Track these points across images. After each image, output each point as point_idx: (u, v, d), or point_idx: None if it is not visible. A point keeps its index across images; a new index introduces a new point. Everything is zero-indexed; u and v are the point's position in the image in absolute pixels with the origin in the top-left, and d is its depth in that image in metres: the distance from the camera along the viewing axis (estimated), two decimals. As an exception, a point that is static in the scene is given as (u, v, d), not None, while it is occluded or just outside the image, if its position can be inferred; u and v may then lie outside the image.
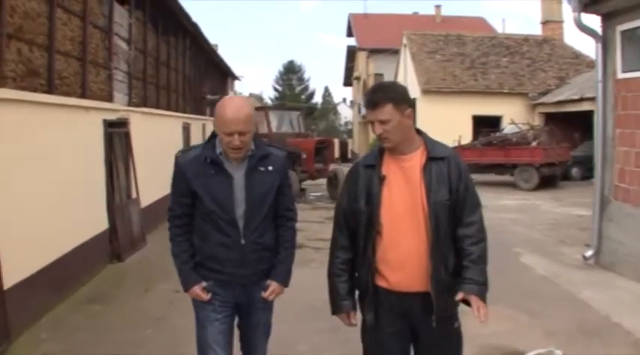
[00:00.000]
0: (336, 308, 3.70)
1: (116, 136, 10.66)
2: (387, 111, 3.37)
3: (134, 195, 11.29)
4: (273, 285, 3.85)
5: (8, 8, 6.63)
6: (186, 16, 16.91)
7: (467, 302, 3.34)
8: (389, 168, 3.52)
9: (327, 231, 12.63)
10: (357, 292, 3.67)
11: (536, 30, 35.68)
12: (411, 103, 3.54)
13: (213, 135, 3.73)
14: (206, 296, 3.75)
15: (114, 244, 9.88)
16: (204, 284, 3.76)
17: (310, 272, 7.30)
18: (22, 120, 6.76)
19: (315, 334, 6.25)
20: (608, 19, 9.38)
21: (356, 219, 3.55)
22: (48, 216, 7.30)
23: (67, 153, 8.17)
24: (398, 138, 3.44)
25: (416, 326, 3.54)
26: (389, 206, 3.45)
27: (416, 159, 3.49)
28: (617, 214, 9.20)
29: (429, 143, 3.53)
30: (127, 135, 11.22)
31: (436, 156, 3.45)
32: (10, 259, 6.09)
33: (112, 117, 10.42)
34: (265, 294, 3.83)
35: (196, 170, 3.67)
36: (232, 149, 3.58)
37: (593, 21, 9.71)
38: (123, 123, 11.07)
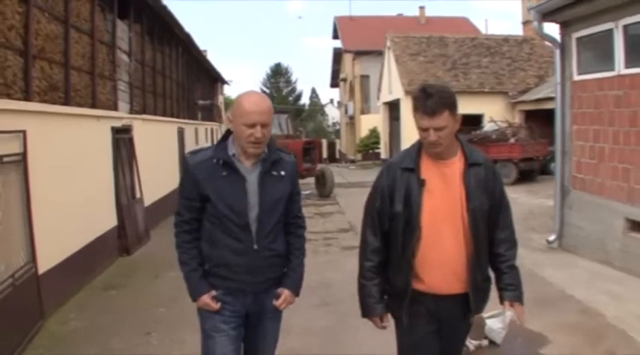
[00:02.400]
0: (368, 312, 3.65)
1: (121, 142, 11.55)
2: (444, 117, 3.30)
3: (138, 195, 12.21)
4: (285, 293, 3.73)
5: (33, 32, 7.54)
6: (179, 27, 17.75)
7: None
8: (428, 171, 3.45)
9: (315, 224, 13.88)
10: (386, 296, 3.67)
11: (519, 29, 36.31)
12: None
13: (225, 138, 3.64)
14: (216, 306, 3.59)
15: (122, 239, 10.81)
16: (214, 293, 3.60)
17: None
18: (47, 129, 7.64)
19: (308, 308, 7.19)
20: (565, 26, 10.25)
21: (391, 221, 3.50)
22: (71, 213, 8.24)
23: (84, 157, 9.13)
24: (448, 143, 3.40)
25: (443, 324, 3.56)
26: (429, 210, 3.40)
27: (455, 164, 3.46)
28: (576, 202, 10.12)
29: (467, 148, 3.50)
30: (131, 141, 12.14)
31: (475, 162, 3.43)
32: (43, 248, 7.03)
33: (117, 124, 11.34)
34: (278, 303, 3.70)
35: (207, 172, 3.53)
36: (253, 143, 3.47)
37: (553, 29, 10.68)
38: (127, 130, 11.99)
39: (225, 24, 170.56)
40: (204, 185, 3.52)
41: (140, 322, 7.11)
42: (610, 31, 8.94)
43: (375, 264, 3.59)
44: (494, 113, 26.44)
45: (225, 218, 3.50)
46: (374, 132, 40.37)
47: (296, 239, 3.85)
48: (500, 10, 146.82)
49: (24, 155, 6.71)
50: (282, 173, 3.65)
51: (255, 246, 3.54)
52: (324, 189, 21.28)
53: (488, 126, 25.19)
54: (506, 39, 32.91)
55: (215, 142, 3.77)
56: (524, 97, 27.57)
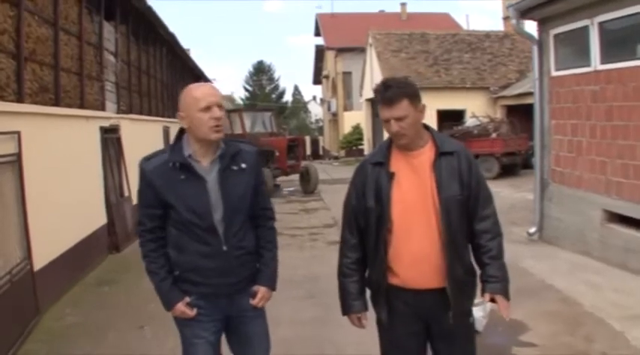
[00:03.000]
0: (346, 309, 3.62)
1: (109, 141, 11.76)
2: (404, 107, 3.28)
3: (126, 194, 12.39)
4: (261, 290, 3.64)
5: (24, 35, 7.71)
6: (163, 27, 17.92)
7: (492, 300, 3.35)
8: (398, 164, 3.43)
9: (301, 220, 14.12)
10: (368, 292, 3.62)
11: (500, 24, 36.56)
12: (420, 98, 3.42)
13: (179, 138, 3.50)
14: (192, 313, 3.48)
15: (112, 237, 11.04)
16: (187, 299, 3.48)
17: (289, 254, 8.65)
18: (40, 130, 7.82)
19: (294, 300, 7.42)
20: (543, 24, 10.50)
21: (365, 217, 3.46)
22: (63, 211, 8.43)
23: (74, 157, 9.32)
24: (413, 134, 3.36)
25: (431, 324, 3.48)
26: (399, 203, 3.36)
27: (425, 154, 3.41)
28: (555, 194, 10.39)
29: (438, 138, 3.45)
30: (119, 140, 12.34)
31: (446, 150, 3.38)
32: (37, 246, 7.23)
33: (105, 124, 11.55)
34: (254, 301, 3.61)
35: (165, 177, 3.38)
36: (215, 126, 3.35)
37: (532, 26, 10.93)
38: (115, 130, 12.19)
39: (207, 22, 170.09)
40: (163, 191, 3.38)
41: (133, 317, 7.30)
42: (586, 28, 9.17)
43: (352, 260, 3.57)
44: (476, 108, 26.76)
45: (190, 223, 3.38)
46: (357, 129, 40.60)
47: (266, 232, 3.73)
48: (481, 6, 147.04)
49: (19, 155, 6.89)
50: (243, 165, 3.51)
51: (225, 248, 3.43)
52: (308, 185, 21.56)
53: (470, 122, 25.54)
54: (487, 34, 33.26)
55: (175, 144, 3.52)
56: (506, 92, 27.89)
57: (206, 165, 3.43)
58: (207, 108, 3.31)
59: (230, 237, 3.45)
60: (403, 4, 50.95)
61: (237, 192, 3.47)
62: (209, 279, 3.45)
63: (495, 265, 3.36)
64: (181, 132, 3.51)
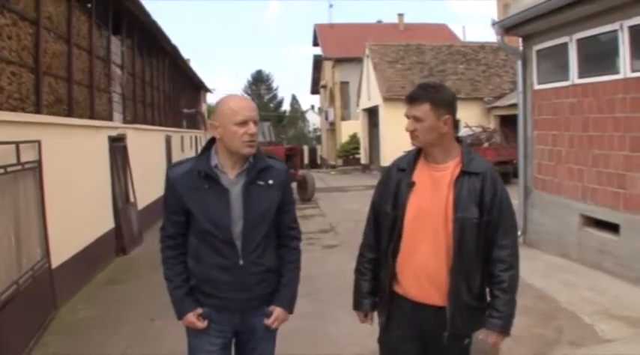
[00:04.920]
0: (356, 305, 3.63)
1: (117, 150, 12.31)
2: (423, 109, 3.25)
3: (132, 199, 12.98)
4: (277, 311, 3.53)
5: (42, 51, 8.32)
6: (166, 40, 18.53)
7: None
8: (420, 174, 3.37)
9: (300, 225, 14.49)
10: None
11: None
12: (453, 112, 3.34)
13: (207, 147, 3.48)
14: (202, 324, 3.41)
15: (119, 240, 11.60)
16: (199, 310, 3.41)
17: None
18: (56, 139, 8.38)
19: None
20: (526, 40, 11.08)
21: (382, 220, 3.45)
22: (77, 214, 9.00)
23: (86, 164, 9.93)
24: (428, 140, 3.30)
25: (425, 339, 3.41)
26: (413, 213, 3.31)
27: (448, 170, 3.31)
28: (537, 201, 10.95)
29: (467, 156, 3.32)
30: (125, 149, 12.90)
31: (471, 170, 3.26)
32: (55, 245, 7.81)
33: (113, 133, 12.13)
34: (269, 322, 3.50)
35: (189, 185, 3.36)
36: (249, 141, 3.32)
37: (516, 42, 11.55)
38: (121, 139, 12.76)
39: (206, 31, 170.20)
40: (186, 199, 3.35)
41: (144, 310, 7.83)
42: (565, 45, 9.73)
43: (367, 259, 3.58)
44: (470, 118, 27.00)
45: (208, 233, 3.33)
46: (354, 138, 40.56)
47: (289, 252, 3.62)
48: (478, 15, 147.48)
49: (39, 162, 7.45)
50: (270, 182, 3.44)
51: (241, 262, 3.35)
52: (306, 193, 21.83)
53: (463, 132, 25.75)
54: (482, 46, 33.43)
55: (198, 152, 3.55)
56: (499, 103, 28.19)
57: (232, 177, 3.38)
58: (244, 123, 3.29)
59: (248, 252, 3.37)
60: (401, 15, 50.74)
61: (260, 208, 3.39)
62: (223, 293, 3.38)
63: (504, 299, 3.25)
64: (211, 141, 3.49)
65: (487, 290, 3.38)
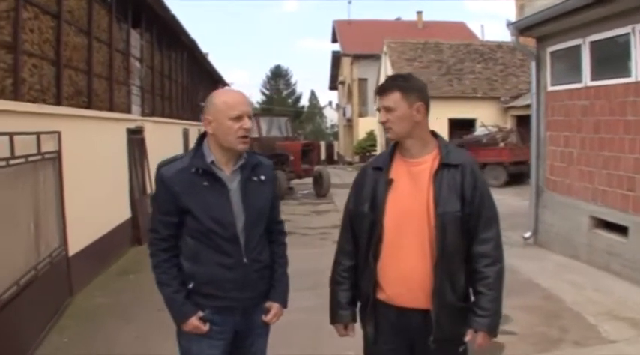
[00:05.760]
0: (333, 318, 3.46)
1: (134, 142, 12.54)
2: (393, 98, 3.16)
3: (148, 191, 13.17)
4: (274, 307, 3.53)
5: (63, 44, 8.51)
6: (185, 34, 18.67)
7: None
8: (398, 171, 3.24)
9: (312, 221, 14.94)
10: (359, 303, 3.44)
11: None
12: (426, 100, 3.24)
13: (200, 143, 3.39)
14: (205, 328, 3.30)
15: (135, 230, 11.81)
16: (200, 314, 3.29)
17: (298, 251, 9.40)
18: (75, 130, 8.58)
19: (299, 291, 8.11)
20: (540, 41, 11.17)
21: (360, 223, 3.28)
22: (94, 204, 9.19)
23: (104, 156, 10.12)
24: (402, 131, 3.20)
25: (416, 347, 3.26)
26: (393, 212, 3.17)
27: (426, 163, 3.20)
28: (549, 202, 11.04)
29: (444, 148, 3.23)
30: (143, 141, 13.15)
31: (450, 162, 3.15)
32: (72, 234, 8.01)
33: (131, 125, 12.36)
34: (268, 318, 3.50)
35: (186, 183, 3.23)
36: (243, 137, 3.25)
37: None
38: (139, 131, 13.00)
39: (224, 26, 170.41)
40: (183, 198, 3.22)
41: (159, 300, 8.05)
42: (578, 47, 9.80)
43: (345, 267, 3.41)
44: (486, 118, 27.15)
45: (211, 232, 3.23)
46: (371, 135, 40.72)
47: (279, 247, 3.64)
48: (497, 14, 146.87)
49: (59, 153, 7.65)
50: (263, 178, 3.42)
51: (245, 260, 3.29)
52: (321, 189, 22.05)
53: (479, 131, 25.94)
54: (499, 45, 33.29)
55: (195, 149, 3.40)
56: (516, 103, 28.13)
57: (228, 173, 3.31)
58: (239, 118, 3.22)
59: (250, 250, 3.32)
60: (419, 13, 50.70)
61: (259, 204, 3.37)
62: (227, 292, 3.29)
63: (489, 296, 3.10)
64: (202, 137, 3.41)
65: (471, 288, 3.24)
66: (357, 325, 3.48)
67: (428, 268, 3.11)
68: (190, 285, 3.30)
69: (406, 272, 3.16)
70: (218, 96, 3.31)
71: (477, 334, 3.11)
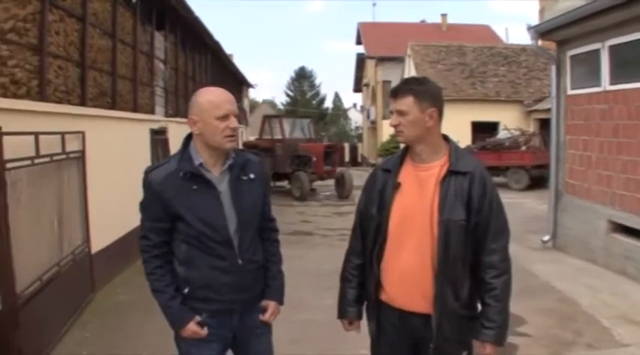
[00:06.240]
0: (340, 313, 3.52)
1: (158, 142, 12.72)
2: (406, 102, 3.15)
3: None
4: (271, 305, 3.51)
5: (88, 46, 8.70)
6: (209, 36, 18.90)
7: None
8: (406, 175, 3.26)
9: (333, 222, 15.03)
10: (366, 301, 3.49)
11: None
12: (439, 106, 3.23)
13: (186, 145, 3.32)
14: (204, 332, 3.29)
15: (157, 230, 11.91)
16: (198, 318, 3.28)
17: (318, 252, 9.58)
18: (99, 131, 8.76)
19: (318, 290, 8.27)
20: (560, 45, 11.23)
21: (367, 224, 3.34)
22: (117, 203, 9.33)
23: (127, 156, 10.28)
24: (413, 135, 3.19)
25: (421, 349, 3.27)
26: (398, 216, 3.20)
27: (435, 169, 3.19)
28: (568, 205, 11.08)
29: (454, 154, 3.22)
30: (166, 142, 13.33)
31: (458, 169, 3.14)
32: (95, 232, 8.19)
33: (155, 126, 12.56)
34: (266, 317, 3.48)
35: (175, 188, 3.19)
36: (231, 136, 3.21)
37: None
38: (163, 132, 13.19)
39: (248, 27, 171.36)
40: (173, 203, 3.19)
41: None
42: (598, 51, 9.84)
43: (354, 265, 3.47)
44: (509, 121, 27.03)
45: (204, 236, 3.20)
46: (394, 137, 40.32)
47: (272, 244, 3.62)
48: (522, 16, 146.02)
49: (83, 152, 7.82)
50: (252, 176, 3.38)
51: (240, 261, 3.28)
52: (343, 190, 22.20)
53: (501, 134, 25.88)
54: (523, 49, 32.89)
55: (182, 152, 3.33)
56: (539, 106, 27.98)
57: (217, 174, 3.28)
58: (225, 117, 3.18)
59: (244, 251, 3.31)
60: (444, 15, 50.64)
61: (250, 203, 3.35)
62: (223, 295, 3.28)
63: (496, 308, 3.10)
64: (188, 139, 3.36)
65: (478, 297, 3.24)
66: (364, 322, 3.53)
67: (427, 273, 3.13)
68: (186, 290, 3.28)
69: (404, 274, 3.20)
70: (202, 96, 3.26)
71: (484, 345, 3.11)
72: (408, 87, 3.20)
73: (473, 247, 3.13)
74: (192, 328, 3.26)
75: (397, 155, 3.38)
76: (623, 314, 7.35)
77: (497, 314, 3.09)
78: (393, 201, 3.22)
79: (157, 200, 3.21)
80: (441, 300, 3.10)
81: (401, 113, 3.18)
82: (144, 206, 3.32)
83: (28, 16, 6.80)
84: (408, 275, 3.18)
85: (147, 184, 3.26)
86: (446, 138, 3.32)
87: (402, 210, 3.19)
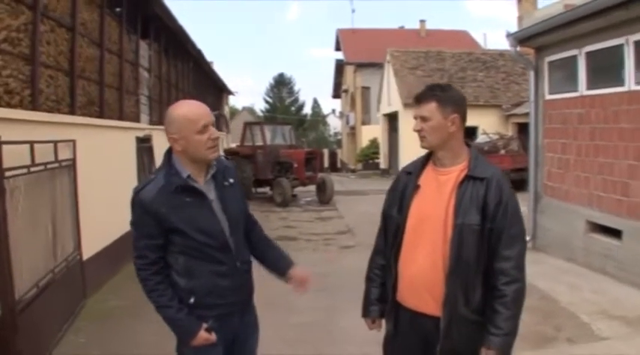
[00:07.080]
0: (364, 312, 3.59)
1: (143, 150, 12.80)
2: (429, 108, 3.21)
3: (156, 198, 13.48)
4: (298, 270, 3.71)
5: (77, 55, 8.82)
6: (191, 44, 19.00)
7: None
8: (426, 178, 3.32)
9: (316, 227, 15.22)
10: None
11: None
12: (462, 112, 3.27)
13: (169, 159, 3.33)
14: (214, 338, 3.33)
15: (145, 235, 12.02)
16: (205, 325, 3.31)
17: (304, 256, 9.75)
18: (88, 139, 8.85)
19: (311, 293, 8.29)
20: (539, 51, 11.47)
21: (389, 225, 3.42)
22: (106, 210, 9.46)
23: (115, 163, 10.40)
24: (435, 141, 3.25)
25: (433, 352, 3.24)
26: (415, 217, 3.26)
27: (453, 174, 3.24)
28: (547, 207, 11.34)
29: (474, 160, 3.24)
30: (151, 149, 13.40)
31: (475, 175, 3.17)
32: (86, 239, 8.29)
33: (140, 134, 12.63)
34: (302, 283, 3.69)
35: (169, 203, 3.20)
36: (212, 147, 3.25)
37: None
38: (147, 139, 13.26)
39: (227, 34, 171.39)
40: (170, 218, 3.20)
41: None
42: (575, 57, 10.11)
43: (378, 265, 3.52)
44: (488, 125, 27.35)
45: (204, 245, 3.25)
46: (374, 143, 40.86)
47: (259, 232, 3.78)
48: (500, 21, 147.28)
49: (74, 160, 7.93)
50: (231, 180, 3.47)
51: (238, 263, 3.38)
52: (324, 196, 22.20)
53: (480, 138, 26.12)
54: (501, 54, 33.27)
55: (167, 167, 3.33)
56: (517, 110, 28.22)
57: (202, 184, 3.34)
58: (205, 128, 3.20)
59: (239, 253, 3.40)
60: (422, 21, 50.88)
61: (236, 207, 3.44)
62: (226, 299, 3.35)
63: (505, 315, 3.05)
64: (168, 155, 3.36)
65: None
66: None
67: (439, 275, 3.15)
68: (191, 300, 3.29)
69: (415, 275, 3.24)
70: (178, 113, 3.24)
71: (489, 352, 3.07)
72: (431, 93, 3.25)
73: (487, 253, 3.12)
74: (203, 336, 3.30)
75: (420, 158, 3.45)
76: (603, 310, 7.59)
77: (505, 321, 3.04)
78: (411, 202, 3.29)
79: (151, 217, 3.20)
80: (451, 303, 3.12)
81: (424, 119, 3.25)
82: (137, 225, 3.30)
83: (20, 26, 6.92)
84: (420, 277, 3.22)
85: (138, 203, 3.24)
86: (467, 144, 3.37)
87: (419, 213, 3.26)
